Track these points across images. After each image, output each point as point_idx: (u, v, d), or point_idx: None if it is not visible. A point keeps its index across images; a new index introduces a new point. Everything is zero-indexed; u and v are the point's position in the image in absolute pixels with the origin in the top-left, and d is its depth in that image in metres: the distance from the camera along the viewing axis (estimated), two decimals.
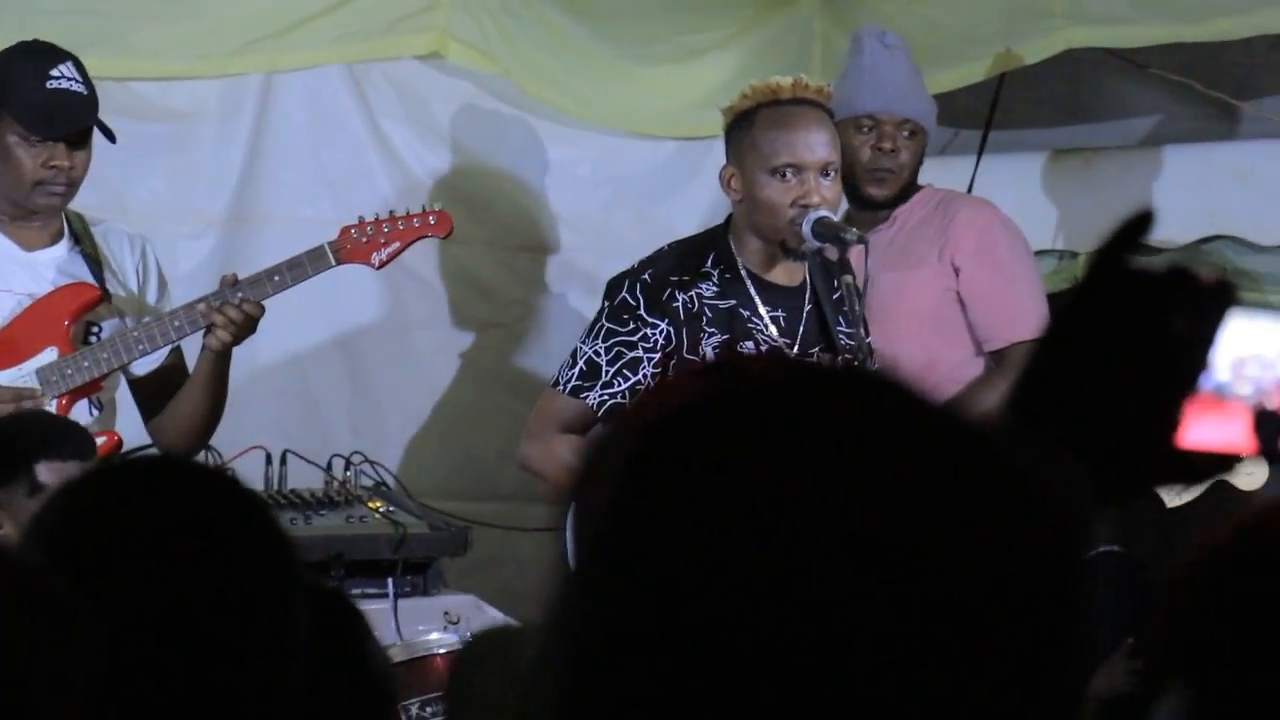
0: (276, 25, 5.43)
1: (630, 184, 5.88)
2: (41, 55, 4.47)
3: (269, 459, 4.94)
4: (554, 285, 5.82)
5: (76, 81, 4.45)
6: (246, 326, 4.43)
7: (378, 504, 4.82)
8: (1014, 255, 5.14)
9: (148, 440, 4.64)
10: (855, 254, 4.55)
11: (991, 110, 5.90)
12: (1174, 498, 5.01)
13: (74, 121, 4.43)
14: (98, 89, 4.51)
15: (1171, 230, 5.48)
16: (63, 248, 4.58)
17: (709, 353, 4.46)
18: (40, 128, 4.41)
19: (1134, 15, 5.43)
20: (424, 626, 4.59)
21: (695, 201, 5.69)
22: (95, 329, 4.55)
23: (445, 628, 4.58)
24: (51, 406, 4.43)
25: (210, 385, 4.51)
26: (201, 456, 4.71)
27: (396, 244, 4.63)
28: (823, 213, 4.48)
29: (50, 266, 4.56)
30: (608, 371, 4.46)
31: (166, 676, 1.65)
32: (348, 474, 4.92)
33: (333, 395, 5.62)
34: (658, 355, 4.45)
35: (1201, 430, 1.21)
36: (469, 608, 4.76)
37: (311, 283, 4.56)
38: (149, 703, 1.65)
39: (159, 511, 1.74)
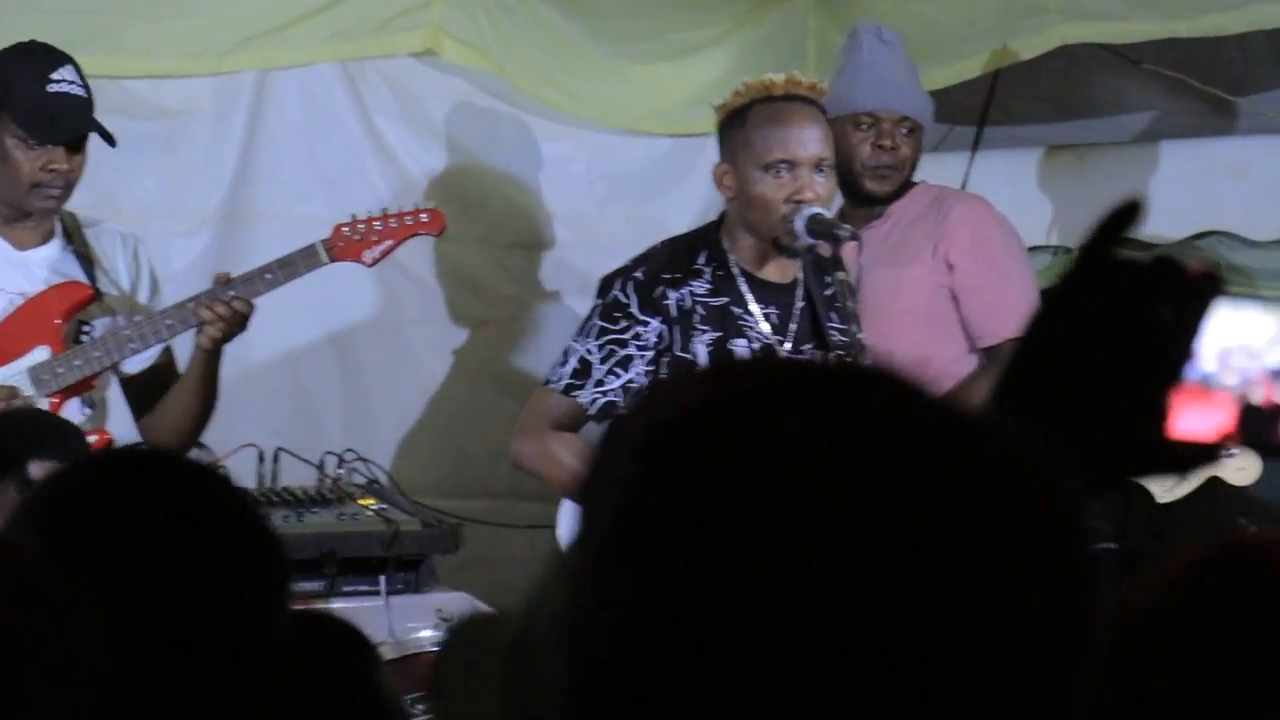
0: (271, 23, 5.43)
1: (624, 181, 5.88)
2: (41, 58, 4.47)
3: (261, 457, 4.93)
4: (548, 283, 5.81)
5: (77, 85, 4.45)
6: (237, 324, 4.42)
7: (370, 501, 4.82)
8: (1007, 252, 5.14)
9: (139, 439, 4.63)
10: (848, 250, 4.55)
11: (986, 106, 5.90)
12: (1166, 493, 5.02)
13: (75, 126, 4.42)
14: (91, 87, 4.50)
15: (1166, 226, 5.48)
16: (55, 247, 4.58)
17: (701, 350, 4.46)
18: (41, 132, 4.40)
19: (1128, 11, 5.43)
20: (416, 624, 4.59)
21: (689, 198, 5.68)
22: (87, 328, 4.55)
23: (437, 625, 4.58)
24: (44, 405, 4.42)
25: (201, 384, 4.50)
26: (193, 454, 4.71)
27: (389, 242, 4.63)
28: (816, 209, 4.48)
29: (42, 265, 4.55)
30: (600, 369, 4.46)
31: (153, 672, 1.65)
32: (340, 471, 4.92)
33: (325, 393, 5.61)
34: (650, 353, 4.44)
35: (1187, 420, 1.20)
36: (461, 605, 4.76)
37: (304, 280, 4.55)
38: (135, 698, 1.64)
39: (145, 505, 1.74)
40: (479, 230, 5.70)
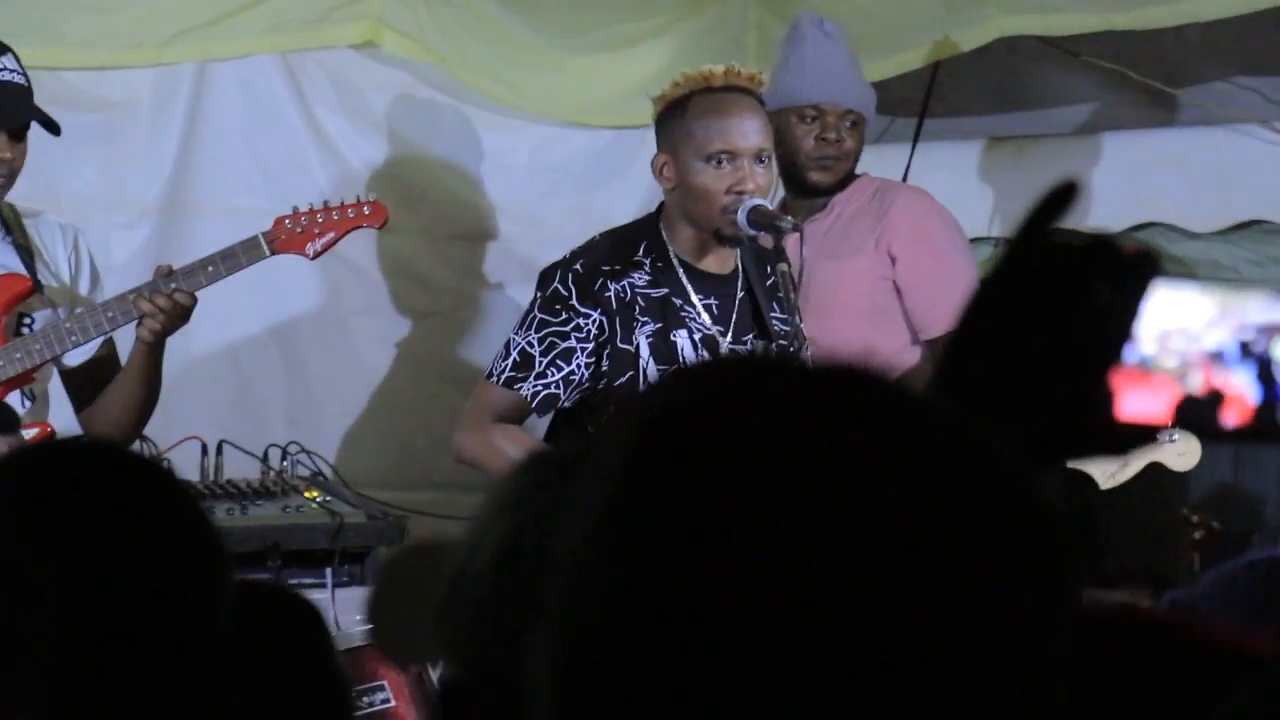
0: (209, 14, 5.41)
1: (566, 173, 5.88)
2: None
3: (205, 449, 4.92)
4: (490, 274, 5.81)
5: (18, 74, 4.43)
6: (178, 316, 4.41)
7: (314, 494, 4.81)
8: (950, 244, 5.16)
9: (80, 431, 4.61)
10: (791, 243, 4.55)
11: (926, 98, 5.91)
12: (1108, 480, 5.04)
13: (19, 113, 4.40)
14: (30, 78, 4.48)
15: (1106, 217, 5.50)
16: None
17: (643, 341, 4.46)
18: None
19: (1066, 4, 5.45)
20: (361, 616, 4.58)
21: (631, 190, 5.69)
22: (27, 320, 4.52)
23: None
24: None
25: (143, 376, 4.48)
26: (136, 447, 4.69)
27: (331, 234, 4.61)
28: (758, 201, 4.48)
29: None
30: (541, 362, 4.46)
31: (94, 665, 1.64)
32: (284, 464, 4.91)
33: (268, 385, 5.60)
34: (591, 345, 4.45)
35: (1128, 402, 1.21)
36: None
37: (246, 273, 4.54)
38: (79, 690, 1.63)
39: (85, 497, 1.73)
40: (421, 222, 5.70)
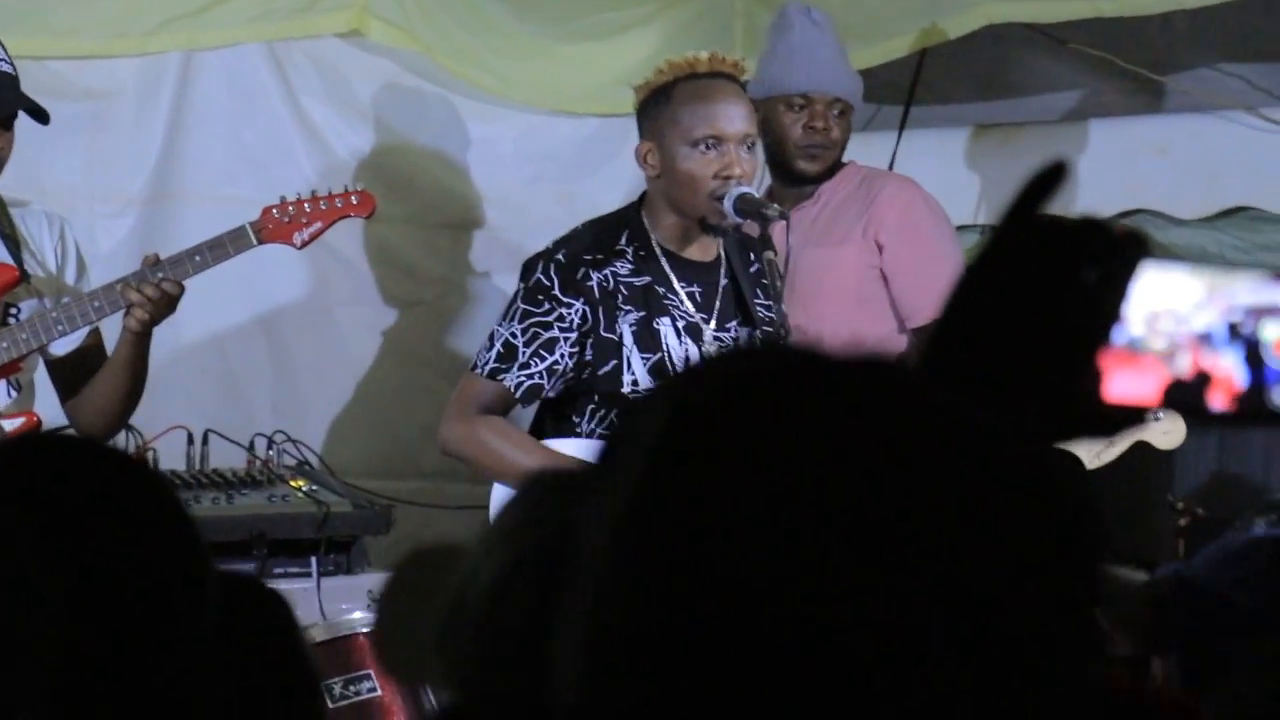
0: (195, 3, 5.40)
1: (553, 161, 5.87)
2: None
3: (191, 439, 4.92)
4: (477, 263, 5.81)
5: (5, 62, 4.42)
6: (165, 306, 4.39)
7: (300, 483, 4.81)
8: (937, 233, 5.16)
9: (66, 422, 4.60)
10: (777, 230, 4.55)
11: (913, 86, 5.91)
12: (1094, 459, 5.04)
13: (8, 102, 4.39)
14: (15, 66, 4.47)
15: (1092, 204, 5.50)
16: None
17: (626, 330, 4.46)
18: None
19: None
20: (347, 605, 4.58)
21: (618, 178, 5.68)
22: (13, 310, 4.51)
23: (369, 606, 4.57)
24: None
25: (129, 366, 4.47)
26: (123, 437, 4.68)
27: (318, 224, 4.61)
28: (745, 189, 4.48)
29: None
30: (524, 352, 4.45)
31: (77, 660, 1.63)
32: (270, 453, 4.91)
33: (255, 375, 5.59)
34: (574, 334, 4.45)
35: (1116, 384, 1.21)
36: None
37: (233, 262, 4.53)
38: (80, 687, 1.63)
39: (70, 490, 1.72)
40: (407, 211, 5.69)
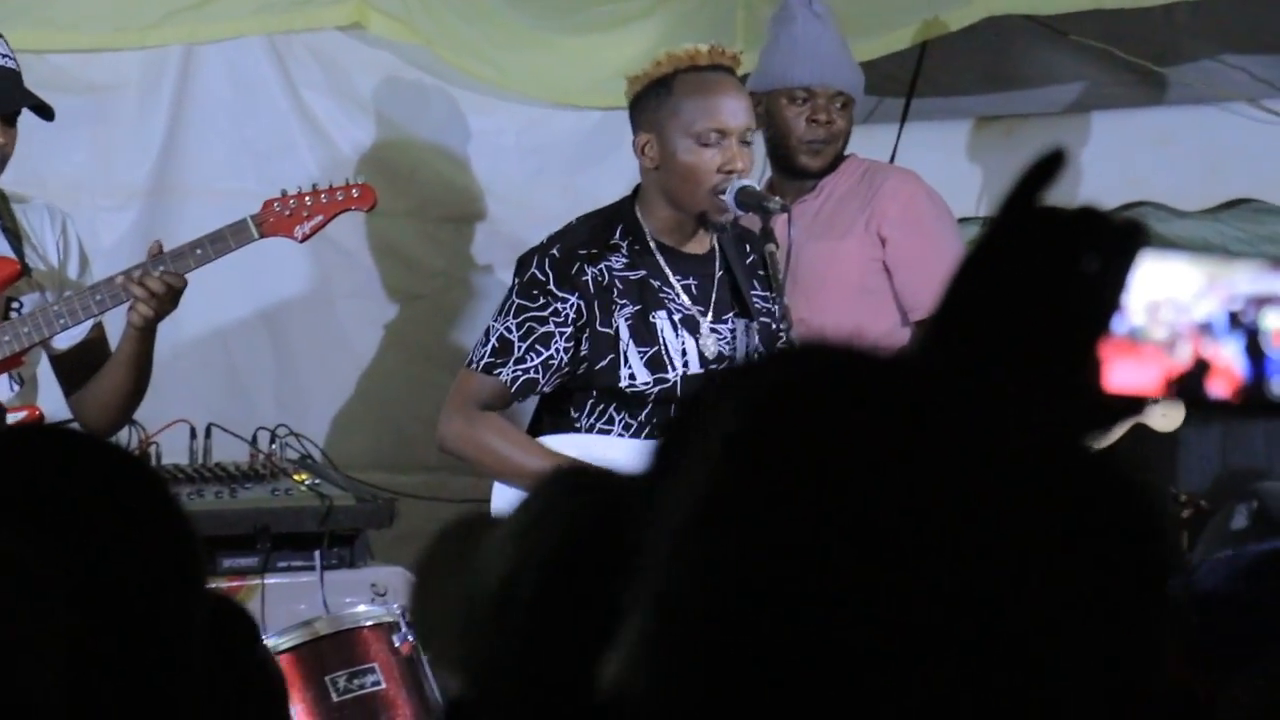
0: None
1: (554, 154, 5.87)
2: None
3: (193, 433, 4.92)
4: (478, 256, 5.81)
5: (8, 58, 4.41)
6: (168, 300, 4.39)
7: (303, 476, 4.81)
8: (939, 225, 5.16)
9: (70, 416, 4.61)
10: (779, 224, 4.55)
11: (914, 78, 5.91)
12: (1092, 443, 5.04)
13: (12, 98, 4.39)
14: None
15: (1094, 196, 5.45)
16: None
17: (622, 324, 4.47)
18: None
19: None
20: (351, 599, 4.58)
21: (620, 171, 5.67)
22: (15, 304, 4.51)
23: (372, 600, 4.58)
24: None
25: (133, 362, 4.46)
26: (125, 431, 4.68)
27: (320, 217, 4.61)
28: (746, 182, 4.49)
29: None
30: (520, 347, 4.46)
31: (79, 655, 1.62)
32: (273, 447, 4.91)
33: (257, 368, 5.59)
34: (569, 329, 4.45)
35: (1116, 373, 1.21)
36: (396, 579, 4.75)
37: (235, 256, 4.53)
38: (86, 686, 1.62)
39: (71, 484, 1.71)
40: (409, 204, 5.69)
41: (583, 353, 4.47)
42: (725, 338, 4.57)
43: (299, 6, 5.52)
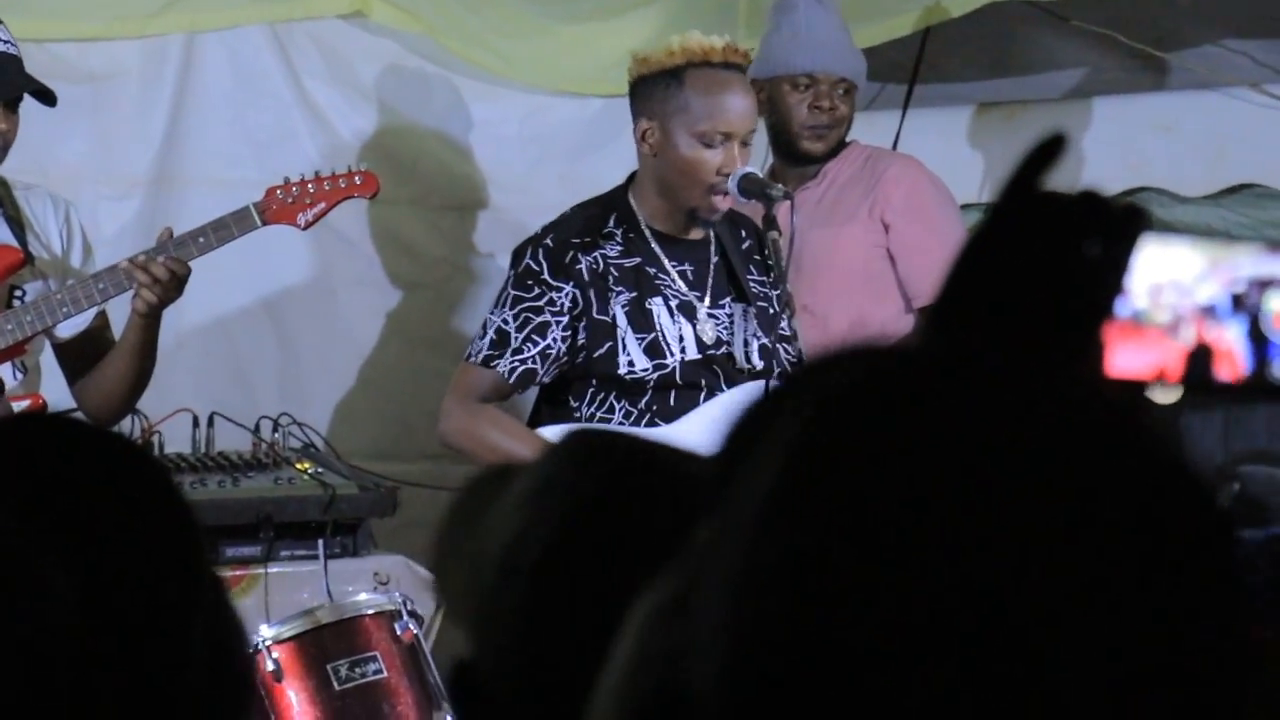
0: None
1: (556, 142, 5.86)
2: None
3: (196, 422, 4.92)
4: (481, 244, 5.80)
5: (9, 44, 4.42)
6: (173, 287, 4.38)
7: (306, 465, 4.81)
8: (942, 212, 5.16)
9: (73, 404, 4.61)
10: (782, 211, 4.55)
11: (917, 65, 5.90)
12: None
13: (14, 84, 4.39)
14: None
15: (1096, 182, 5.43)
16: None
17: (619, 311, 4.48)
18: None
19: None
20: (353, 587, 4.59)
21: (622, 158, 5.63)
22: (18, 292, 4.51)
23: (375, 588, 4.58)
24: None
25: (138, 350, 4.46)
26: (127, 420, 4.68)
27: (322, 204, 4.61)
28: (749, 169, 4.49)
29: None
30: (517, 338, 4.47)
31: (83, 651, 1.62)
32: (275, 436, 4.91)
33: (259, 357, 5.59)
34: (566, 318, 4.46)
35: (1121, 357, 1.20)
36: (399, 568, 4.76)
37: (237, 244, 4.53)
38: (88, 683, 1.61)
39: (74, 474, 1.70)
40: (411, 193, 5.68)
41: (580, 342, 4.47)
42: (722, 322, 4.57)
43: None
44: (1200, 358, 1.22)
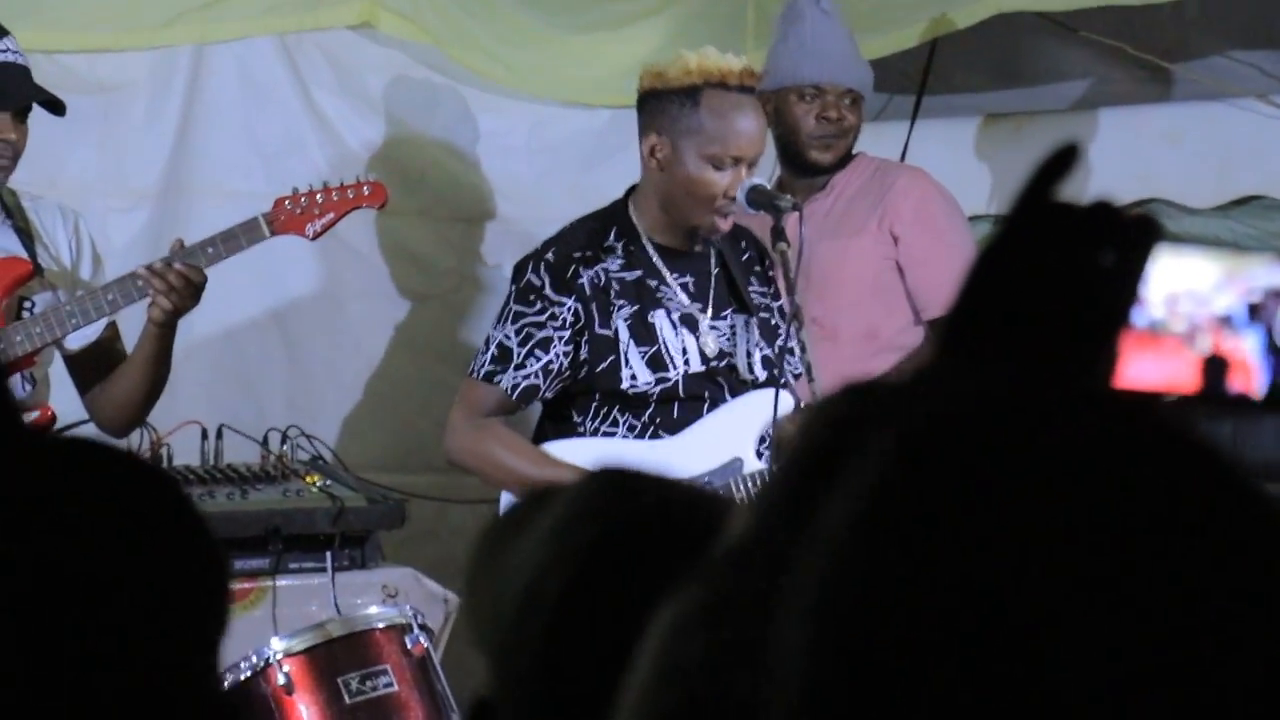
0: None
1: (564, 153, 5.87)
2: None
3: (204, 434, 4.92)
4: (489, 255, 5.81)
5: (18, 55, 4.42)
6: (189, 294, 4.38)
7: (314, 478, 4.81)
8: (951, 224, 5.16)
9: (83, 416, 4.61)
10: (790, 222, 4.55)
11: (925, 76, 5.90)
12: None
13: (25, 94, 4.39)
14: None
15: (1103, 194, 5.47)
16: None
17: (621, 325, 4.48)
18: None
19: None
20: (362, 600, 4.59)
21: (630, 169, 5.63)
22: (28, 304, 4.51)
23: (384, 601, 4.58)
24: None
25: (152, 360, 4.45)
26: (137, 432, 4.68)
27: (330, 215, 4.60)
28: (757, 180, 4.49)
29: None
30: (519, 353, 4.47)
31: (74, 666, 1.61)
32: (284, 448, 4.91)
33: (268, 369, 5.59)
34: (568, 333, 4.46)
35: (1137, 367, 1.20)
36: (407, 580, 4.76)
37: (246, 255, 4.53)
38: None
39: (79, 493, 1.69)
40: (419, 203, 5.69)
41: (582, 356, 4.47)
42: (725, 334, 4.58)
43: (309, 7, 5.52)
44: (1216, 368, 1.22)
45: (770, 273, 4.71)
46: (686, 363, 4.51)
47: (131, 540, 1.62)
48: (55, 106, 4.42)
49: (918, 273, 5.09)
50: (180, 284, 4.34)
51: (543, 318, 4.47)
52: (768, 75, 5.00)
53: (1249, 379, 1.24)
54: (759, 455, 4.52)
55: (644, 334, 4.49)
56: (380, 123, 5.68)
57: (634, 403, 4.49)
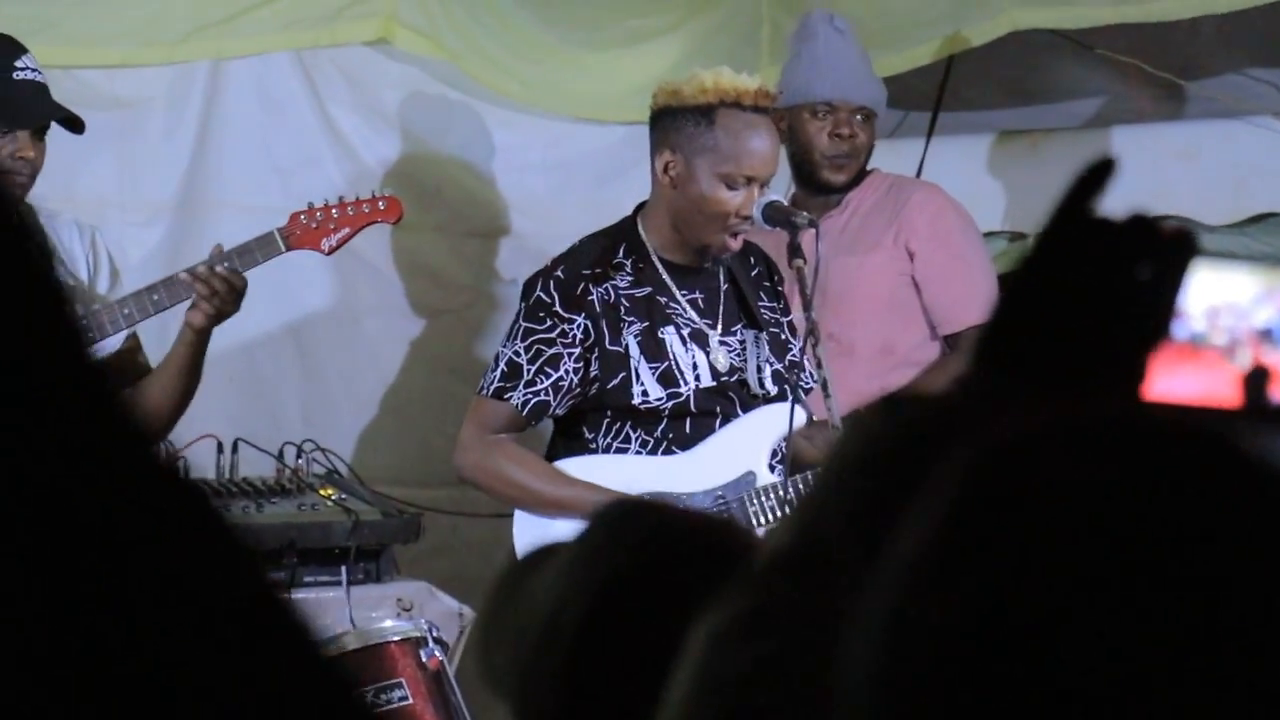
0: (224, 12, 5.40)
1: (579, 169, 5.87)
2: (3, 47, 4.43)
3: (220, 447, 4.92)
4: (504, 271, 5.81)
5: (36, 72, 4.42)
6: (231, 299, 4.37)
7: (330, 491, 4.80)
8: (966, 239, 5.17)
9: None
10: (806, 239, 4.55)
11: (940, 93, 5.90)
12: None
13: (43, 112, 4.39)
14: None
15: (1116, 211, 5.47)
16: None
17: (632, 341, 4.48)
18: (10, 118, 4.36)
19: None
20: (377, 614, 4.58)
21: (644, 186, 5.63)
22: None
23: (398, 614, 4.57)
24: None
25: (185, 368, 4.43)
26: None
27: (346, 229, 4.60)
28: (773, 197, 4.50)
29: None
30: (529, 370, 4.47)
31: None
32: (299, 462, 4.91)
33: (284, 383, 5.59)
34: (577, 350, 4.46)
35: (1178, 380, 1.20)
36: (421, 594, 4.76)
37: (261, 272, 4.52)
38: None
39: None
40: (435, 219, 5.69)
41: (593, 373, 4.47)
42: (735, 350, 4.58)
43: (326, 22, 5.52)
44: (1257, 380, 1.22)
45: (780, 288, 4.72)
46: (698, 378, 4.51)
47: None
48: (74, 124, 4.41)
49: (933, 288, 5.09)
50: (223, 288, 4.34)
51: (553, 335, 4.47)
52: (781, 93, 5.01)
53: None
54: (771, 469, 4.52)
55: (654, 350, 4.49)
56: (396, 138, 5.69)
57: (646, 418, 4.49)
